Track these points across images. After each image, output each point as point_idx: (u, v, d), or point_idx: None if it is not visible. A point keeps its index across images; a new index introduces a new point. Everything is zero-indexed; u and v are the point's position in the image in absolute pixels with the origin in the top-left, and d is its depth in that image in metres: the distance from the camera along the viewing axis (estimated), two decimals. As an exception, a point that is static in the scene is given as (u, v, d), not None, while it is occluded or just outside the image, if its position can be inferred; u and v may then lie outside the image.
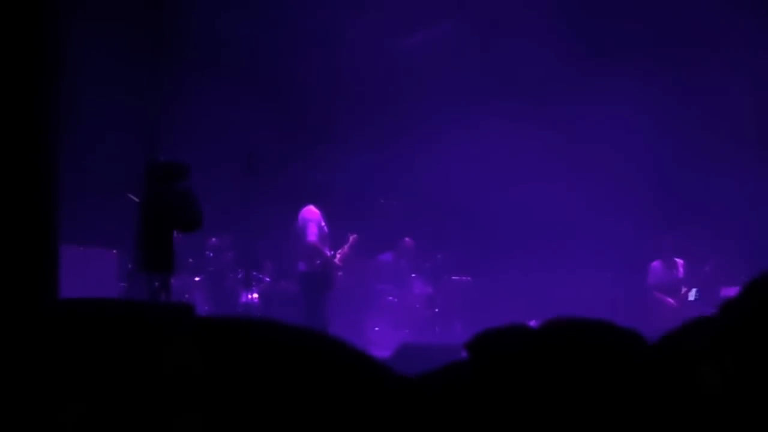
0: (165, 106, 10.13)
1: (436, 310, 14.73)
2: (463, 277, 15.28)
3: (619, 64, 13.81)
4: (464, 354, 10.01)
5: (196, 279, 14.89)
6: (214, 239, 14.91)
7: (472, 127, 14.55)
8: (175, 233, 8.61)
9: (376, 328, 14.67)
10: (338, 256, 11.85)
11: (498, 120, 14.25)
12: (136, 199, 10.10)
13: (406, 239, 15.01)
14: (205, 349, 3.75)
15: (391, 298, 14.80)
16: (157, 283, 8.31)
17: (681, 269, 13.52)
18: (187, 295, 14.01)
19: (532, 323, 11.54)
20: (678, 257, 13.59)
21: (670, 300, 13.31)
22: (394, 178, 15.06)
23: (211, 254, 15.06)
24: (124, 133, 12.15)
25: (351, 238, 12.33)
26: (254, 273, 13.62)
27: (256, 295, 14.14)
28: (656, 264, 13.61)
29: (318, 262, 11.43)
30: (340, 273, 12.05)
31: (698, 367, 3.01)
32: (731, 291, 12.88)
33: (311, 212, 11.53)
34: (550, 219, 14.49)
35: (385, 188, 15.08)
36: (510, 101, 14.27)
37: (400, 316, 14.70)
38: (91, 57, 12.01)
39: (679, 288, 13.44)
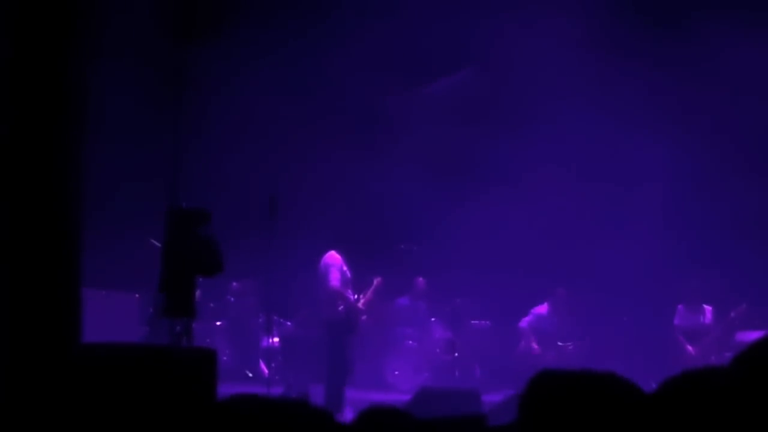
0: (187, 152, 10.22)
1: (456, 354, 14.71)
2: (483, 322, 15.27)
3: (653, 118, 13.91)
4: (484, 398, 9.94)
5: (218, 323, 14.96)
6: (235, 284, 14.99)
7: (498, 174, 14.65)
8: (197, 278, 8.68)
9: (396, 372, 14.67)
10: (362, 299, 11.86)
11: (520, 163, 14.33)
12: (159, 245, 10.17)
13: (419, 279, 15.05)
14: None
15: (410, 342, 14.81)
16: (179, 328, 8.35)
17: (708, 315, 13.39)
18: (208, 340, 14.07)
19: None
20: (706, 302, 13.44)
21: (690, 348, 13.22)
22: (413, 224, 15.10)
23: (233, 299, 15.13)
24: (147, 178, 12.25)
25: (376, 282, 12.32)
26: (275, 317, 13.65)
27: (276, 340, 14.19)
28: (680, 307, 13.52)
29: (341, 307, 11.44)
30: (364, 317, 12.04)
31: None
32: (750, 335, 12.75)
33: (333, 257, 11.56)
34: (569, 262, 14.50)
35: (404, 232, 15.13)
36: (532, 143, 14.33)
37: (419, 360, 14.70)
38: (114, 104, 12.13)
39: (704, 334, 13.31)
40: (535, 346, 14.07)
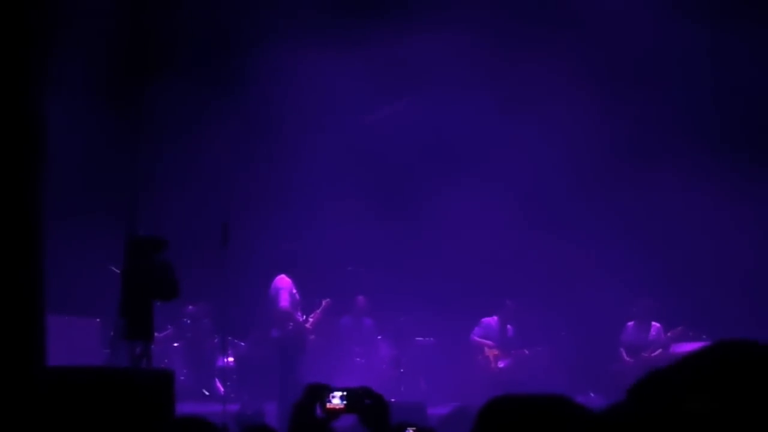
0: (144, 183, 10.47)
1: (402, 370, 15.01)
2: (427, 339, 15.67)
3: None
4: (429, 411, 10.32)
5: (175, 345, 15.28)
6: (191, 307, 15.27)
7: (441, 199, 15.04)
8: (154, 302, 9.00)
9: (344, 389, 14.93)
10: (310, 320, 12.28)
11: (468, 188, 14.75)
12: (118, 271, 10.45)
13: (359, 297, 15.22)
14: None
15: (359, 359, 15.16)
16: (138, 350, 8.68)
17: (653, 331, 13.84)
18: (166, 360, 14.41)
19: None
20: (656, 320, 13.87)
21: (628, 359, 13.76)
22: (361, 247, 15.44)
23: (188, 321, 15.44)
24: (105, 209, 12.49)
25: (324, 303, 12.71)
26: (230, 338, 14.00)
27: (231, 359, 14.56)
28: (630, 324, 14.03)
29: (290, 327, 11.93)
30: (312, 337, 12.46)
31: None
32: (682, 347, 13.28)
33: (283, 281, 12.06)
34: (511, 279, 14.91)
35: (352, 255, 15.42)
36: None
37: (367, 376, 15.01)
38: (71, 135, 12.30)
39: (646, 349, 13.83)
40: (496, 352, 14.54)
